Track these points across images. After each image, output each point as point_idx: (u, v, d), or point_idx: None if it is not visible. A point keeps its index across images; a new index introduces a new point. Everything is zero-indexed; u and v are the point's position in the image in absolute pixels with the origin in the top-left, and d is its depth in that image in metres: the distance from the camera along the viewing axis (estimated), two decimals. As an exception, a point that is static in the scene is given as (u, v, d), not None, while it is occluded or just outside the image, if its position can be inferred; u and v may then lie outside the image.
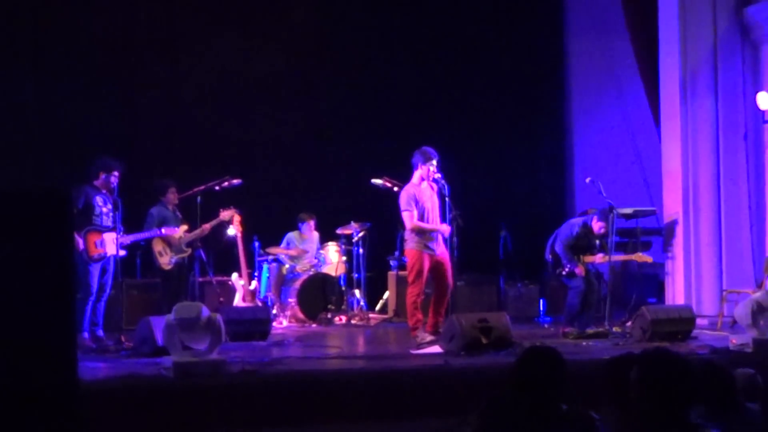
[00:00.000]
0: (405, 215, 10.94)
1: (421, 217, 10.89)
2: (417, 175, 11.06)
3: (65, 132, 14.04)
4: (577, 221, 11.80)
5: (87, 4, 14.35)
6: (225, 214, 12.60)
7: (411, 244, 10.97)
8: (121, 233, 11.01)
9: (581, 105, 16.49)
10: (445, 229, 10.90)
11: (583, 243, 11.60)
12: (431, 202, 11.02)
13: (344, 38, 15.61)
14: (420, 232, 10.85)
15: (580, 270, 11.46)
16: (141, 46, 14.79)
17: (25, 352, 6.54)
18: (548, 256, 11.77)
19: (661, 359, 4.42)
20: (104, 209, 10.94)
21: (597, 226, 11.55)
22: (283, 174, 15.20)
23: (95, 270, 10.83)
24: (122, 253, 11.07)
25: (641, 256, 11.83)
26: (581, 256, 11.50)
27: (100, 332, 10.88)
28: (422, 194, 10.98)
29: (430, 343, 10.29)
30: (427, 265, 10.80)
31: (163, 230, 11.89)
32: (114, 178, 10.97)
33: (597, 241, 11.66)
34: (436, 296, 11.01)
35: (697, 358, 8.67)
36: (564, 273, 11.56)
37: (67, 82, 14.17)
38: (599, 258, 11.55)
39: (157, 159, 14.28)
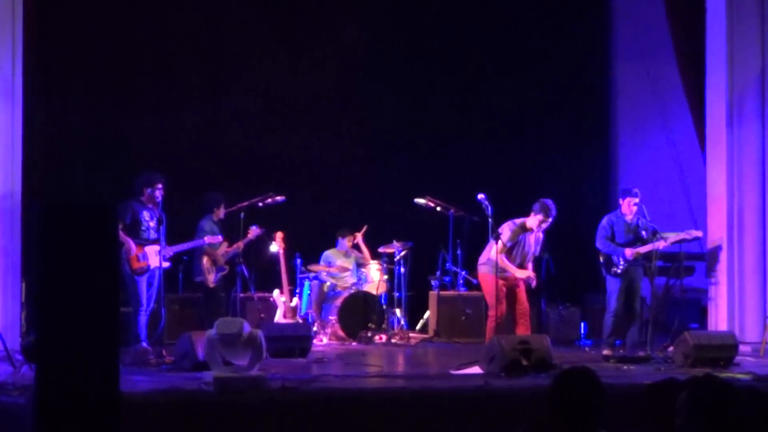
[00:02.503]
0: (502, 241, 11.58)
1: (510, 254, 11.71)
2: (532, 219, 11.72)
3: (112, 148, 14.15)
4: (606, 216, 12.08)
5: (132, 22, 14.42)
6: (255, 231, 12.63)
7: (485, 268, 11.74)
8: (165, 246, 11.13)
9: (627, 128, 16.40)
10: (522, 274, 11.69)
11: (628, 235, 11.72)
12: (528, 246, 11.80)
13: (389, 59, 15.62)
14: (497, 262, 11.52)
15: (629, 253, 11.58)
16: (186, 64, 14.88)
17: (68, 363, 6.58)
18: (601, 261, 11.89)
19: (709, 385, 4.36)
20: (151, 224, 11.10)
21: (624, 206, 11.80)
22: (327, 192, 15.22)
23: (143, 283, 10.96)
24: (166, 264, 11.19)
25: (692, 233, 11.88)
26: (639, 250, 11.59)
27: (145, 344, 10.96)
28: (527, 236, 11.80)
29: (471, 364, 10.25)
30: (503, 289, 11.53)
31: (206, 239, 11.98)
32: (158, 191, 11.12)
33: (644, 232, 11.67)
34: (516, 320, 11.71)
35: (740, 385, 8.55)
36: (602, 263, 11.78)
37: (114, 99, 14.27)
38: (660, 244, 11.55)
39: (200, 175, 14.34)
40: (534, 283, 11.84)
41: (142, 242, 11.02)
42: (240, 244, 12.51)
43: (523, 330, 11.53)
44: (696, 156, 13.71)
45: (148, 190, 11.12)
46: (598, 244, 11.85)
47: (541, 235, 11.87)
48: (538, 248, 12.00)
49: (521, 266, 11.76)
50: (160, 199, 11.14)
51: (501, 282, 11.48)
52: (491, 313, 11.51)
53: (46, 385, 6.62)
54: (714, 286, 12.57)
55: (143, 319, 10.99)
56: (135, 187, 11.20)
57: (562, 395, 4.70)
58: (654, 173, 15.51)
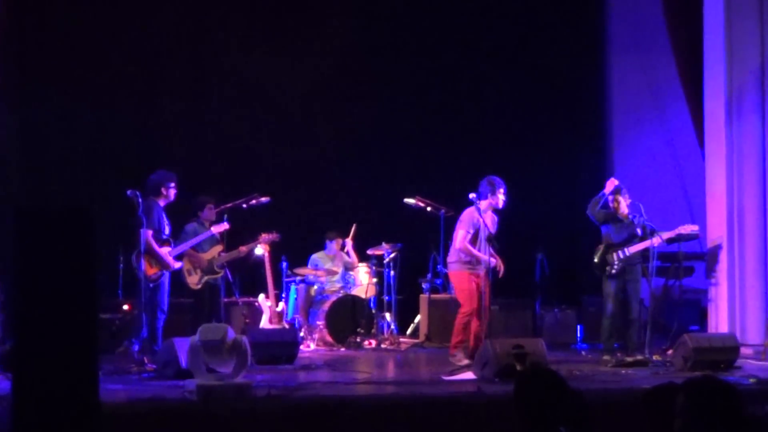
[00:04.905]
0: (459, 233, 11.39)
1: (474, 243, 11.34)
2: (485, 203, 11.40)
3: (92, 150, 14.14)
4: None
5: (113, 20, 14.41)
6: (266, 238, 12.68)
7: (457, 266, 11.46)
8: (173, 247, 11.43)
9: (622, 124, 16.43)
10: (492, 261, 11.24)
11: (623, 233, 11.72)
12: (487, 230, 11.34)
13: (378, 55, 15.62)
14: (466, 255, 11.29)
15: (608, 185, 11.59)
16: (169, 64, 14.86)
17: (46, 372, 6.57)
18: (595, 262, 11.87)
19: (709, 387, 4.37)
20: (166, 228, 11.24)
21: (619, 203, 11.74)
22: (313, 192, 15.21)
23: (162, 286, 11.08)
24: (178, 264, 11.45)
25: (687, 227, 11.83)
26: (628, 248, 11.55)
27: (137, 347, 11.02)
28: (483, 219, 11.35)
29: (463, 369, 10.28)
30: (474, 286, 11.29)
31: (213, 229, 12.02)
32: (172, 189, 11.24)
33: (639, 230, 11.64)
34: (476, 322, 11.33)
35: (741, 389, 8.58)
36: (596, 265, 11.74)
37: (94, 100, 14.24)
38: (655, 241, 11.50)
39: (183, 176, 14.31)
40: (501, 272, 11.42)
41: (159, 245, 11.16)
42: (243, 249, 12.49)
43: (481, 330, 11.21)
44: (694, 152, 13.75)
45: (163, 189, 11.24)
46: (588, 210, 11.82)
47: (495, 217, 11.56)
48: (495, 228, 11.52)
49: (485, 252, 11.31)
50: (173, 198, 11.31)
51: (474, 281, 11.32)
52: (463, 310, 11.35)
53: (23, 395, 6.60)
54: (714, 286, 12.60)
55: (160, 324, 11.16)
56: (150, 185, 11.24)
57: (523, 397, 4.72)
58: (651, 171, 15.54)
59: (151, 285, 11.01)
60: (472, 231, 11.34)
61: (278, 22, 15.26)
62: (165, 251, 11.18)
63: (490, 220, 11.42)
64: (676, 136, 15.24)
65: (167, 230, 11.34)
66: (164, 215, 11.32)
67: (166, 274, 11.23)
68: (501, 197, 11.40)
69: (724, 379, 4.55)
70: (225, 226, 12.15)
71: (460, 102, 15.93)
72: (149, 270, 11.01)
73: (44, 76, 14.17)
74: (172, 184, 11.35)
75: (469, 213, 11.43)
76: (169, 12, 14.78)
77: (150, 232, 10.98)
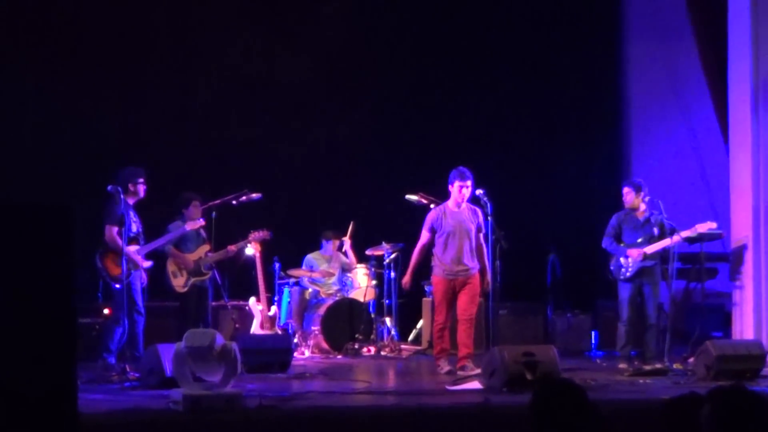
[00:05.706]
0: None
1: (433, 242, 11.43)
2: (452, 198, 11.48)
3: (72, 144, 14.13)
4: None
5: (95, 5, 14.40)
6: (257, 236, 12.67)
7: (434, 269, 11.52)
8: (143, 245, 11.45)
9: (641, 117, 16.41)
10: (405, 282, 11.75)
11: (637, 233, 11.75)
12: (459, 227, 11.35)
13: (378, 41, 15.62)
14: (434, 259, 11.42)
15: (632, 253, 11.59)
16: (153, 51, 14.84)
17: (20, 380, 6.53)
18: (610, 266, 11.92)
19: (737, 397, 4.34)
20: (133, 225, 11.24)
21: (626, 197, 11.81)
22: (308, 188, 15.19)
23: (133, 287, 11.11)
24: (147, 264, 11.45)
25: (706, 224, 11.79)
26: (645, 250, 11.54)
27: (113, 359, 11.02)
28: (449, 216, 11.39)
29: (468, 378, 10.27)
30: (446, 290, 11.29)
31: (187, 226, 12.00)
32: (141, 186, 11.28)
33: (656, 229, 11.64)
34: (459, 328, 11.37)
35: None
36: (611, 267, 11.81)
37: (73, 89, 14.22)
38: (674, 239, 11.48)
39: (169, 171, 14.32)
40: (487, 284, 11.42)
41: (127, 243, 11.16)
42: (232, 249, 12.47)
43: (461, 337, 11.23)
44: (718, 146, 13.75)
45: (131, 185, 11.27)
46: (603, 243, 11.94)
47: (476, 209, 11.47)
48: (474, 226, 11.37)
49: (460, 251, 11.25)
50: (143, 194, 11.43)
51: (448, 285, 11.30)
52: (435, 317, 11.49)
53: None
54: (739, 289, 12.60)
55: (140, 328, 11.21)
56: (117, 182, 11.25)
57: (541, 411, 4.69)
58: (671, 166, 15.53)
59: (119, 286, 11.01)
60: (428, 234, 11.44)
61: (272, 12, 15.24)
62: (132, 249, 11.18)
63: (465, 216, 11.41)
64: (698, 129, 15.24)
65: (135, 228, 11.33)
66: (132, 212, 11.32)
67: (135, 274, 11.23)
68: (457, 190, 11.39)
69: (752, 390, 4.50)
70: (200, 222, 12.14)
71: (467, 96, 15.89)
72: (113, 270, 11.06)
73: (20, 66, 14.14)
74: (141, 180, 11.41)
75: (431, 212, 11.63)
76: (155, 1, 14.78)
77: (115, 229, 11.03)
